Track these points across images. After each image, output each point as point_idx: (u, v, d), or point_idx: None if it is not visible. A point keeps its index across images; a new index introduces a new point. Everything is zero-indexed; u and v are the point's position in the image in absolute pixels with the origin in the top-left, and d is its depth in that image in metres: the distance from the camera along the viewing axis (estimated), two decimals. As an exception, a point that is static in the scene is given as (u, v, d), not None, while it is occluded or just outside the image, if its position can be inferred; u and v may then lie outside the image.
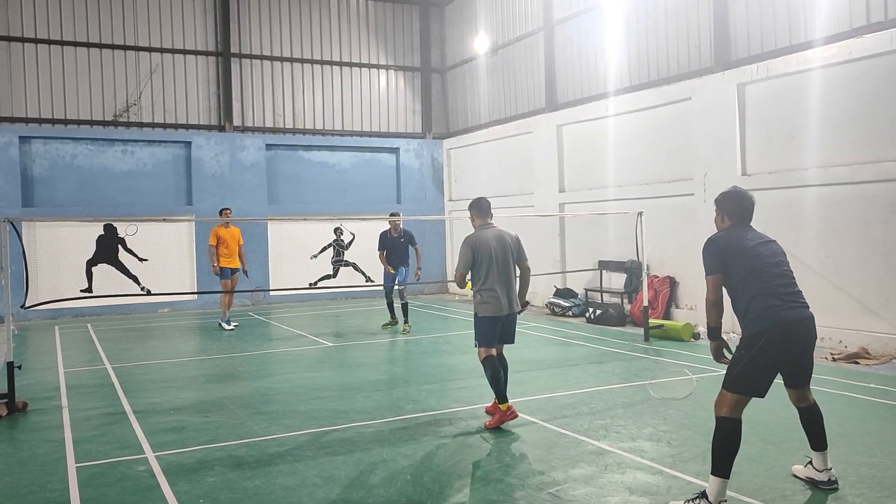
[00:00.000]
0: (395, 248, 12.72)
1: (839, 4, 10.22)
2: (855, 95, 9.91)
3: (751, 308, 4.53)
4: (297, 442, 6.19)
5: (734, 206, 4.78)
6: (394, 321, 13.22)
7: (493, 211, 7.00)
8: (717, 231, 4.87)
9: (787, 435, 5.92)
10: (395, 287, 12.83)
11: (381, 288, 13.30)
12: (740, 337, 4.64)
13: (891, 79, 9.45)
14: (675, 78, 12.91)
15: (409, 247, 12.83)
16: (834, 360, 9.26)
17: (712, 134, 11.93)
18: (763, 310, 4.48)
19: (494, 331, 6.65)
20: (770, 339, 4.44)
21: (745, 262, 4.58)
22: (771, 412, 6.46)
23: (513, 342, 6.84)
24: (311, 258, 14.78)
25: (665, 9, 13.19)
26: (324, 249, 15.63)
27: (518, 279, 6.87)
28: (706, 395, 7.44)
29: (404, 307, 12.76)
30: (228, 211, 13.72)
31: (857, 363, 9.03)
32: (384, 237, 12.79)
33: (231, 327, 13.39)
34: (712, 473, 4.45)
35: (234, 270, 13.56)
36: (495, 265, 6.60)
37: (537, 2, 16.60)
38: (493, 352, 6.63)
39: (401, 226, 12.73)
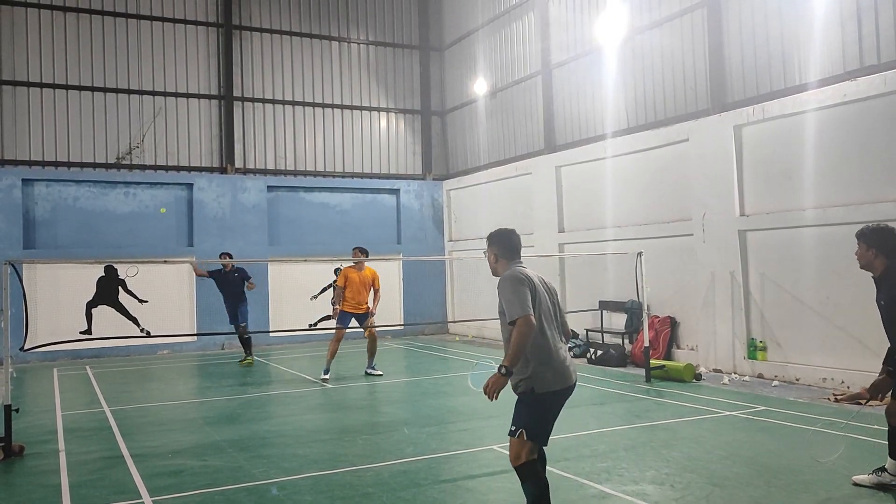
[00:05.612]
0: (228, 283, 13.82)
1: (833, 48, 10.40)
2: (850, 137, 10.02)
3: None
4: (296, 486, 6.12)
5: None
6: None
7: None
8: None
9: (791, 478, 5.86)
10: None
11: (384, 328, 13.36)
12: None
13: (885, 121, 9.57)
14: (672, 120, 13.06)
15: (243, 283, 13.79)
16: (836, 400, 9.20)
17: (710, 175, 12.03)
18: None
19: (551, 416, 4.46)
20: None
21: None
22: (775, 454, 6.40)
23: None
24: (311, 299, 14.74)
25: (661, 52, 13.41)
26: (324, 290, 15.61)
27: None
28: (710, 438, 7.38)
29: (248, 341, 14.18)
30: (358, 250, 12.13)
31: (860, 404, 8.97)
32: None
33: (326, 376, 11.80)
34: None
35: (359, 316, 11.98)
36: (551, 313, 4.53)
37: (535, 46, 16.87)
38: (536, 454, 4.49)
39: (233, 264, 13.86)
